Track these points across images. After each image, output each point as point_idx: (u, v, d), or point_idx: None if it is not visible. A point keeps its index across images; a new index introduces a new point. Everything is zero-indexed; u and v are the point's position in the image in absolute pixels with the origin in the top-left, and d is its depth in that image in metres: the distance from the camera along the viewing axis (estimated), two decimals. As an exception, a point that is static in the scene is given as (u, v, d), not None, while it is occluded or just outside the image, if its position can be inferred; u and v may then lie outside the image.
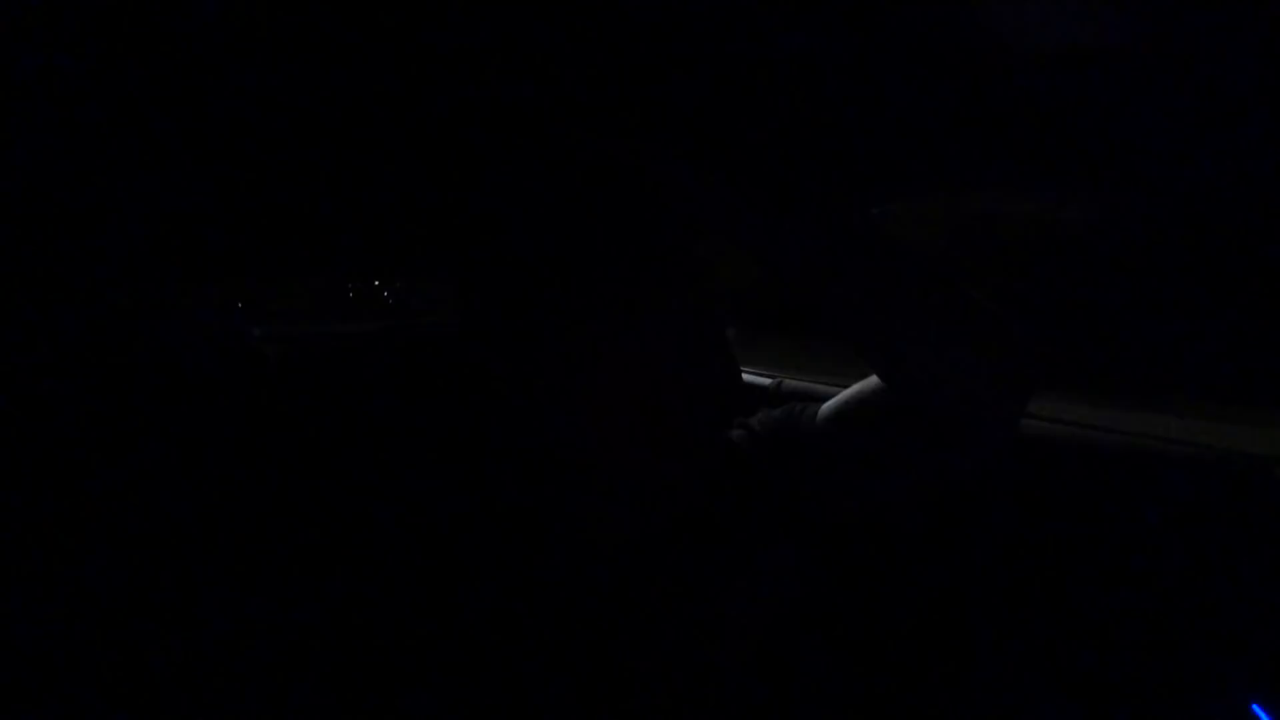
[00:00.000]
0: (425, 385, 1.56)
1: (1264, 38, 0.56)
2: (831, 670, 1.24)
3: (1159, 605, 0.99)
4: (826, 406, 0.70)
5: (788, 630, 0.72)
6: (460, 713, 0.69)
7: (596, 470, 0.64)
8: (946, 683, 1.27)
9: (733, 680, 0.69)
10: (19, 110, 0.65)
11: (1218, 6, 0.52)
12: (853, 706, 1.29)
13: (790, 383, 1.70)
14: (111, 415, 1.21)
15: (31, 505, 1.11)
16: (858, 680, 1.31)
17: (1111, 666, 1.04)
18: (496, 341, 0.64)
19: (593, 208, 0.62)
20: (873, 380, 0.67)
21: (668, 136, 0.58)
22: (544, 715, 0.67)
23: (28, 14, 0.49)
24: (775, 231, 0.56)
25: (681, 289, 0.65)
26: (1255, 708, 0.88)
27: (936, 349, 0.56)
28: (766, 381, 1.76)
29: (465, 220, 1.01)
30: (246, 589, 1.27)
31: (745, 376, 1.82)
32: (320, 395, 1.53)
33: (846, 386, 0.71)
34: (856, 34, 0.56)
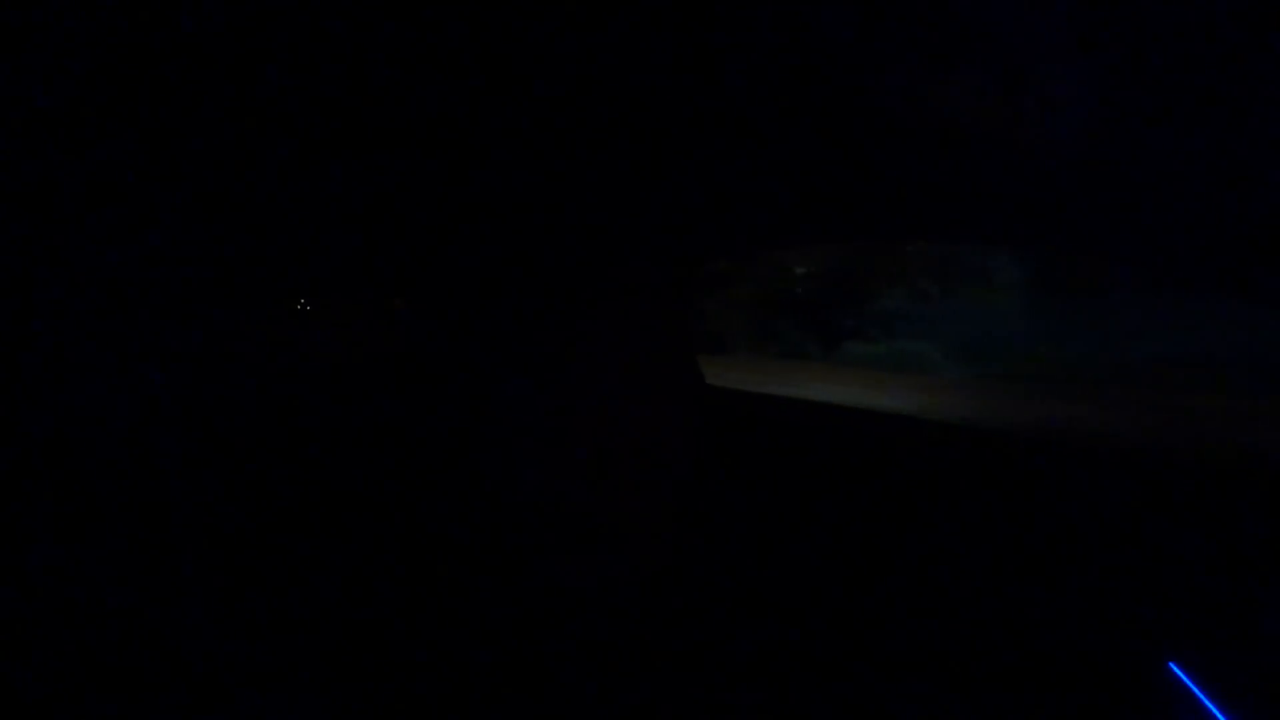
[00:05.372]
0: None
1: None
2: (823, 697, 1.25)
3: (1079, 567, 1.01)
4: None
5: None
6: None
7: (570, 519, 0.65)
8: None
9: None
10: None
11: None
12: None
13: (762, 392, 1.72)
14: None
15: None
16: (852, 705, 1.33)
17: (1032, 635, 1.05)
18: (454, 377, 0.65)
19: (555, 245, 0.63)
20: None
21: None
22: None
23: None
24: None
25: (648, 325, 0.67)
26: (1171, 665, 0.90)
27: None
28: (741, 390, 1.78)
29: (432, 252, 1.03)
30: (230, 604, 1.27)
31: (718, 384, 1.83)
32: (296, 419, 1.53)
33: (814, 395, 0.73)
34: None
